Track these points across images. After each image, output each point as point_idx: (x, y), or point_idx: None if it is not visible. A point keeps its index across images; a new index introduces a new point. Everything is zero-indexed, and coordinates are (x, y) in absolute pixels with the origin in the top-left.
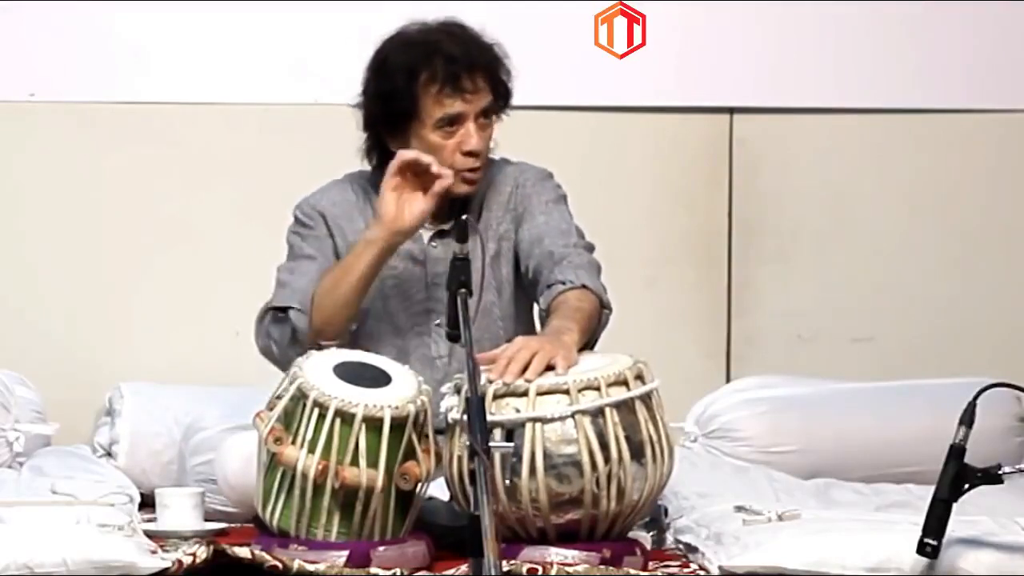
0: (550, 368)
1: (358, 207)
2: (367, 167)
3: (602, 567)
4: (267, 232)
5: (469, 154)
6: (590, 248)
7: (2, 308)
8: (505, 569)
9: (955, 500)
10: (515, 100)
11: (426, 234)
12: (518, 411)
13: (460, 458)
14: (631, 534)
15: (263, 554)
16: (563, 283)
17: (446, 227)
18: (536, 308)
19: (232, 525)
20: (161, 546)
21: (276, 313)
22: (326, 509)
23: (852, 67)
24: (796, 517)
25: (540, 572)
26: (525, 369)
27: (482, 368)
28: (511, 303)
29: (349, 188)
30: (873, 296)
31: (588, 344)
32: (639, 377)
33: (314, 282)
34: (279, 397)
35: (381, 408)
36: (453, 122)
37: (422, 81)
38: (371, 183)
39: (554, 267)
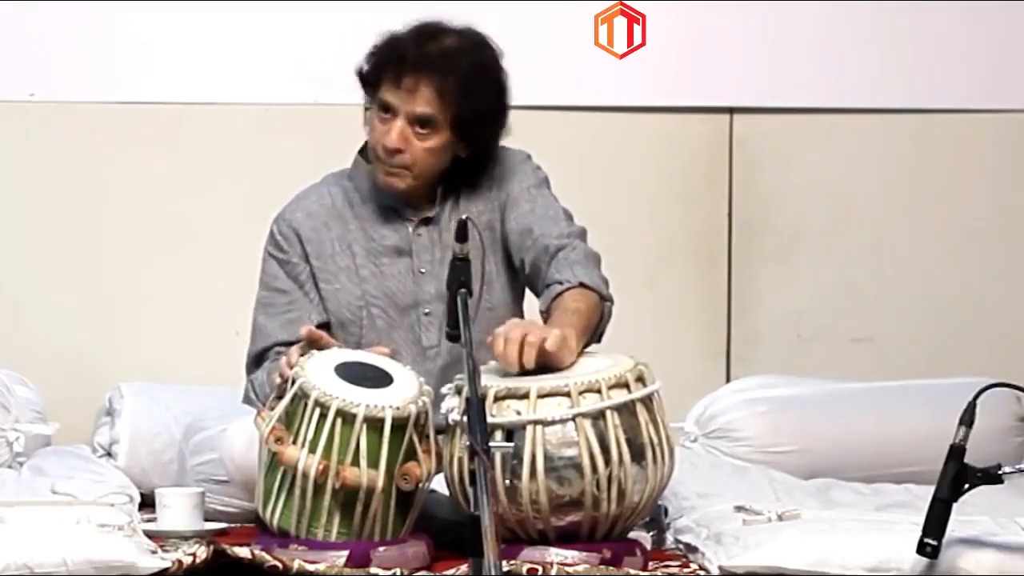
0: (551, 368)
1: (336, 210)
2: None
3: (602, 567)
4: (267, 232)
5: (384, 148)
6: (582, 234)
7: (2, 308)
8: (505, 569)
9: (955, 500)
10: (515, 100)
11: (409, 224)
12: (519, 413)
13: (460, 459)
14: (631, 534)
15: (263, 554)
16: (560, 283)
17: (430, 215)
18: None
19: (232, 525)
20: (161, 546)
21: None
22: (326, 509)
23: (852, 67)
24: (796, 517)
25: (540, 572)
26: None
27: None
28: (504, 292)
29: (327, 191)
30: (873, 296)
31: (593, 339)
32: (640, 379)
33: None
34: (280, 397)
35: (382, 408)
36: (387, 109)
37: (385, 63)
38: (351, 179)
39: (550, 263)
